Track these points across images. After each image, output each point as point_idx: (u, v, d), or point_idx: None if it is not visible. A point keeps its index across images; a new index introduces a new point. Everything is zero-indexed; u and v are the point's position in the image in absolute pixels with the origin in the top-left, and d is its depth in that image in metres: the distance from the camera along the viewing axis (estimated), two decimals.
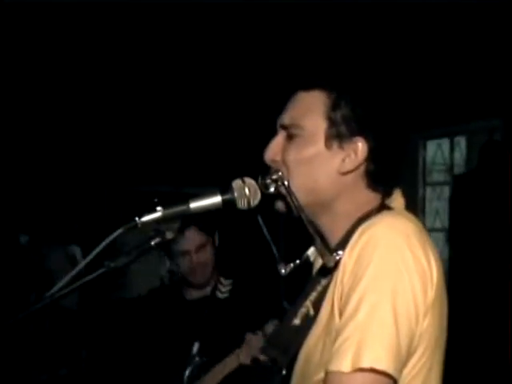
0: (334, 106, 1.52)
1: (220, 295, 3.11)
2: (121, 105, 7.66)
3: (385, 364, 1.31)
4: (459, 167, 6.80)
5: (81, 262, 1.48)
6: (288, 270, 1.61)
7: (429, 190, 7.28)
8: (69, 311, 5.46)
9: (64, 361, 5.40)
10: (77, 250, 5.97)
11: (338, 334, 1.37)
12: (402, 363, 1.36)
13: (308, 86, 1.57)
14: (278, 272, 1.61)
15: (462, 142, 6.76)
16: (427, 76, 6.48)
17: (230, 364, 2.90)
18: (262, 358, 1.63)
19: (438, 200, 7.16)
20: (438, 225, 7.02)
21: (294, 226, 1.64)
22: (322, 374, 1.42)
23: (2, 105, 6.94)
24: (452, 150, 6.96)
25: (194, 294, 3.14)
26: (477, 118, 6.11)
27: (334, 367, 1.34)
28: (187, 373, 2.97)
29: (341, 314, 1.40)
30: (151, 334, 3.09)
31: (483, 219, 5.30)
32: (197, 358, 2.99)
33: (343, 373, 1.32)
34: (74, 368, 5.37)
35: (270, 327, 2.87)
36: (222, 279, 3.14)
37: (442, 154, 7.13)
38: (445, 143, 7.06)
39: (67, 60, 6.91)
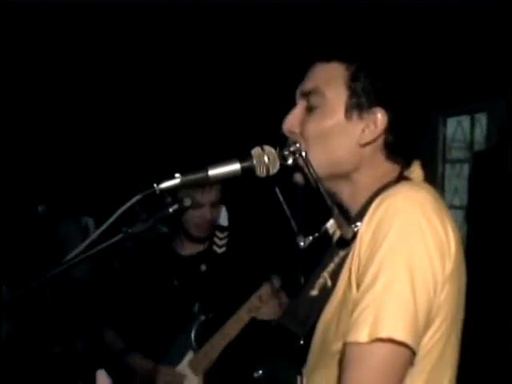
0: (353, 77, 1.52)
1: (218, 250, 3.07)
2: (137, 85, 7.68)
3: (403, 334, 1.30)
4: (479, 145, 6.73)
5: (94, 232, 1.47)
6: (307, 242, 1.60)
7: (448, 167, 7.23)
8: (81, 283, 5.47)
9: (81, 334, 5.43)
10: (90, 222, 5.99)
11: (356, 305, 1.36)
12: (420, 334, 1.35)
13: (327, 58, 1.56)
14: (297, 245, 1.60)
15: (482, 119, 6.69)
16: (448, 53, 6.41)
17: (240, 320, 2.87)
18: (280, 327, 1.62)
19: (457, 178, 7.11)
20: (456, 202, 6.98)
21: (312, 199, 1.62)
22: (339, 345, 1.42)
23: (24, 84, 6.98)
24: (472, 127, 6.90)
25: (189, 249, 3.08)
26: (498, 95, 6.04)
27: (351, 338, 1.33)
28: (193, 332, 2.94)
29: (358, 286, 1.39)
30: (147, 292, 3.04)
31: (502, 197, 5.26)
32: (201, 316, 2.96)
33: (361, 343, 1.31)
34: (90, 341, 5.40)
35: (276, 281, 2.86)
36: (218, 232, 3.09)
37: (462, 132, 7.06)
38: (465, 120, 6.99)
39: (80, 51, 6.94)
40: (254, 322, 2.88)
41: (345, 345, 1.36)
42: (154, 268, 3.07)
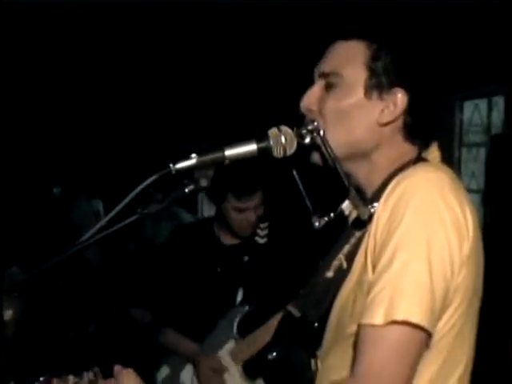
0: (374, 57, 1.49)
1: (259, 240, 3.09)
2: (151, 66, 7.68)
3: (419, 317, 1.28)
4: (496, 128, 6.66)
5: (103, 215, 1.46)
6: (322, 223, 1.58)
7: (465, 151, 7.18)
8: (92, 265, 5.49)
9: (93, 317, 5.45)
10: (99, 204, 6.00)
11: (372, 286, 1.35)
12: (437, 317, 1.34)
13: (348, 36, 1.54)
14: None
15: (500, 102, 6.62)
16: (465, 36, 6.34)
17: None
18: (295, 309, 1.61)
19: (474, 161, 7.06)
20: (473, 186, 6.93)
21: (327, 180, 1.61)
22: (354, 327, 1.41)
23: (38, 69, 7.01)
24: (490, 110, 6.83)
25: (231, 240, 3.11)
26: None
27: (366, 320, 1.32)
28: (237, 322, 2.96)
29: (374, 268, 1.38)
30: (189, 276, 3.07)
31: None
32: (245, 307, 2.98)
33: (376, 325, 1.30)
34: (103, 324, 5.42)
35: None
36: (259, 223, 3.12)
37: (479, 115, 7.00)
38: (482, 104, 6.92)
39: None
40: None
41: (359, 326, 1.35)
42: (197, 253, 3.10)
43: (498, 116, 6.69)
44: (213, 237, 3.13)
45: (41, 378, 1.16)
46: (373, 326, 1.30)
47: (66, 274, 5.10)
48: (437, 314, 1.33)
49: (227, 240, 3.12)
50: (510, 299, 4.94)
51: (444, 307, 1.35)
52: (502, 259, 4.87)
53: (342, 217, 1.64)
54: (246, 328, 2.94)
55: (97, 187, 6.29)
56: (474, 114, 7.05)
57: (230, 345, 2.95)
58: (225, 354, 2.95)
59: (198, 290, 3.04)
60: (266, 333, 2.88)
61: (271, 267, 3.04)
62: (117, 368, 1.33)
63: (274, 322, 2.85)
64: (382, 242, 1.36)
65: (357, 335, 1.38)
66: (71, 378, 1.20)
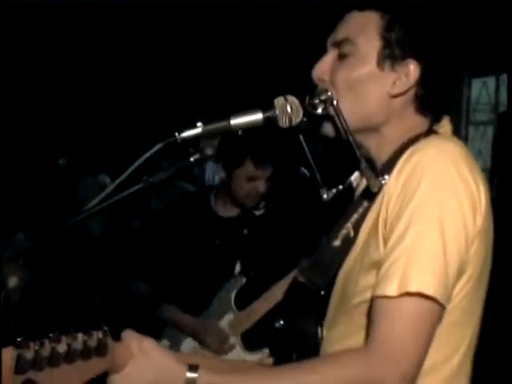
0: (388, 27, 1.48)
1: (256, 212, 3.08)
2: (155, 41, 7.64)
3: (432, 289, 1.27)
4: (505, 107, 6.62)
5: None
6: (330, 195, 1.58)
7: (472, 129, 7.13)
8: (96, 239, 5.50)
9: (99, 290, 5.47)
10: (106, 179, 5.99)
11: (385, 258, 1.34)
12: (450, 290, 1.33)
13: (362, 7, 1.52)
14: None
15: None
16: (473, 14, 6.28)
17: (284, 287, 2.88)
18: (301, 278, 1.60)
19: (480, 140, 7.02)
20: (479, 165, 6.88)
21: (333, 153, 1.60)
22: (359, 297, 1.41)
23: (44, 47, 7.00)
24: (498, 88, 6.77)
25: (229, 211, 3.10)
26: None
27: (380, 292, 1.31)
28: (234, 294, 2.97)
29: (386, 240, 1.36)
30: (187, 249, 3.06)
31: None
32: (243, 279, 2.98)
33: (390, 297, 1.29)
34: (108, 297, 5.44)
35: None
36: None
37: (487, 93, 6.95)
38: (491, 81, 6.87)
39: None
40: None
41: (373, 298, 1.34)
42: (194, 226, 3.09)
43: (505, 94, 6.64)
44: (209, 209, 3.12)
45: (50, 335, 1.15)
46: (387, 297, 1.29)
47: (75, 246, 5.12)
48: (450, 287, 1.32)
49: (224, 212, 3.10)
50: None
51: (457, 279, 1.35)
52: (508, 238, 4.85)
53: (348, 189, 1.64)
54: (244, 300, 2.95)
55: (104, 161, 6.29)
56: (482, 92, 7.00)
57: (228, 316, 2.96)
58: (224, 325, 2.96)
59: (196, 262, 3.04)
60: (263, 304, 2.89)
61: (269, 239, 3.05)
62: (128, 333, 1.33)
63: (272, 293, 2.88)
64: (396, 215, 1.35)
65: (361, 305, 1.39)
66: (80, 335, 1.20)
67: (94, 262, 5.44)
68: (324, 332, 1.53)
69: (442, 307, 1.31)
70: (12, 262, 1.44)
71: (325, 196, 1.58)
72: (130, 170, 1.42)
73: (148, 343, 1.31)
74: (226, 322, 2.96)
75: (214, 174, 7.38)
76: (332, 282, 1.53)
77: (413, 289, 1.27)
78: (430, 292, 1.27)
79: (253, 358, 2.85)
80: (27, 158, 5.05)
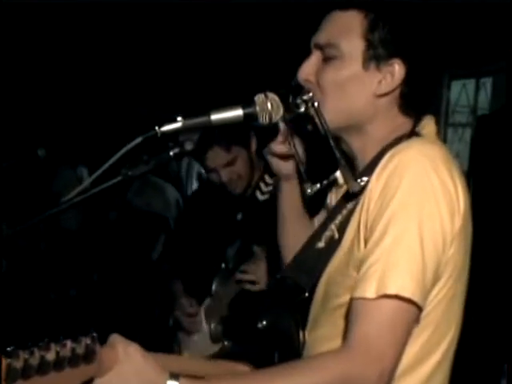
0: (371, 27, 1.49)
1: (260, 196, 3.06)
2: (123, 29, 7.59)
3: (410, 291, 1.29)
4: (483, 110, 6.66)
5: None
6: (314, 190, 1.59)
7: (450, 131, 7.17)
8: (69, 232, 5.47)
9: (74, 282, 5.45)
10: (84, 172, 5.96)
11: (364, 260, 1.36)
12: (428, 291, 1.35)
13: (345, 6, 1.53)
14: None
15: (488, 83, 6.61)
16: (454, 15, 6.31)
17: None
18: (285, 279, 1.61)
19: (459, 142, 7.06)
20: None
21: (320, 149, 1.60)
22: (342, 299, 1.42)
23: (28, 37, 6.96)
24: (477, 91, 6.81)
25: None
26: (504, 59, 5.95)
27: (358, 294, 1.33)
28: (215, 281, 3.00)
29: (366, 241, 1.38)
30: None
31: (505, 163, 5.20)
32: (222, 265, 3.00)
33: (368, 299, 1.30)
34: (83, 289, 5.42)
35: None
36: (267, 177, 3.06)
37: (466, 95, 6.99)
38: (470, 84, 6.91)
39: None
40: None
41: (352, 299, 1.35)
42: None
43: (485, 98, 6.69)
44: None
45: (40, 344, 1.17)
46: (365, 299, 1.31)
47: (47, 238, 5.10)
48: (428, 289, 1.34)
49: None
50: (492, 278, 4.95)
51: (434, 281, 1.37)
52: (485, 240, 4.87)
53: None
54: (220, 285, 2.97)
55: (82, 154, 6.24)
56: (462, 93, 7.04)
57: (207, 301, 2.97)
58: (202, 311, 2.98)
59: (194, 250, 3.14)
60: (233, 287, 2.88)
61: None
62: (114, 337, 1.32)
63: (231, 281, 2.89)
64: (375, 216, 1.36)
65: (345, 307, 1.40)
66: (69, 342, 1.21)
67: (68, 254, 5.42)
68: (306, 334, 1.54)
69: (418, 308, 1.32)
70: None
71: (308, 191, 1.59)
72: (109, 163, 1.42)
73: (133, 348, 1.31)
74: (204, 307, 2.98)
75: (188, 169, 7.39)
76: (317, 284, 1.54)
77: (391, 291, 1.28)
78: (407, 294, 1.29)
79: (215, 349, 2.87)
80: (6, 149, 5.02)
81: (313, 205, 1.81)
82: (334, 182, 1.63)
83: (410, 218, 1.32)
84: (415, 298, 1.30)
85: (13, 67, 7.00)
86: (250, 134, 3.01)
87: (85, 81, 7.71)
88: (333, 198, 1.74)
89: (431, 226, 1.33)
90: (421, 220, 1.32)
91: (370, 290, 1.30)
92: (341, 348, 1.36)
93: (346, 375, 1.28)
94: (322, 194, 1.65)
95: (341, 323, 1.43)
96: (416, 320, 1.35)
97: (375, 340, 1.29)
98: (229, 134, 2.83)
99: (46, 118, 7.06)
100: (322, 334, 1.50)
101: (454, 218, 1.38)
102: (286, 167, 1.69)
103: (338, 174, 1.63)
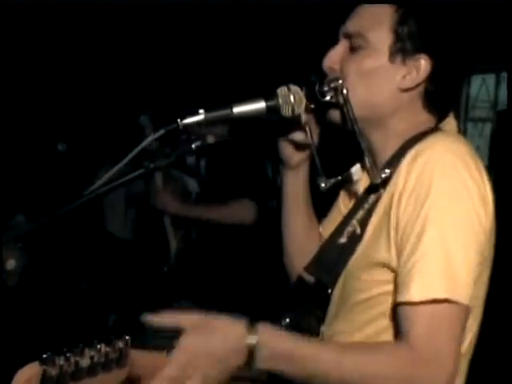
0: (401, 21, 1.48)
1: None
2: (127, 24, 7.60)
3: (457, 294, 1.28)
4: (504, 105, 6.61)
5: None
6: (328, 185, 1.57)
7: (470, 126, 7.13)
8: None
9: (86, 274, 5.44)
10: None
11: (404, 263, 1.33)
12: (472, 288, 1.33)
13: (376, 0, 1.53)
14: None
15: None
16: (473, 11, 6.26)
17: None
18: (308, 276, 1.60)
19: (479, 137, 7.02)
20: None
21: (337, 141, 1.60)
22: (362, 295, 1.42)
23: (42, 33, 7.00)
24: (497, 85, 6.77)
25: None
26: None
27: (403, 297, 1.31)
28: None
29: (397, 245, 1.36)
30: None
31: None
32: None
33: (416, 303, 1.29)
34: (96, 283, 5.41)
35: None
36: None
37: (486, 90, 6.94)
38: (490, 78, 6.86)
39: None
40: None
41: (396, 305, 1.34)
42: None
43: (505, 92, 6.64)
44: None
45: (74, 349, 1.17)
46: (413, 303, 1.29)
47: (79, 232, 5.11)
48: (472, 285, 1.33)
49: None
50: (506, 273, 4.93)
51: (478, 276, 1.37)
52: (504, 235, 4.84)
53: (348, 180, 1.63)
54: None
55: (105, 147, 6.25)
56: (482, 88, 6.99)
57: None
58: None
59: None
60: None
61: None
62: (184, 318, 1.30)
63: None
64: (409, 218, 1.34)
65: (364, 303, 1.41)
66: (103, 346, 1.20)
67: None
68: (324, 329, 1.53)
69: (467, 307, 1.31)
70: (11, 244, 1.44)
71: (323, 185, 1.57)
72: (130, 155, 1.42)
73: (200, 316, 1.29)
74: None
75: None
76: (337, 279, 1.52)
77: (439, 295, 1.27)
78: (455, 297, 1.28)
79: None
80: (26, 142, 5.04)
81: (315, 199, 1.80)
82: (348, 179, 1.61)
83: (447, 219, 1.31)
84: (463, 300, 1.29)
85: (33, 63, 7.04)
86: None
87: (106, 74, 7.72)
88: (343, 195, 1.73)
89: (469, 224, 1.33)
90: (458, 219, 1.31)
91: (415, 295, 1.28)
92: (405, 345, 1.30)
93: (412, 375, 1.27)
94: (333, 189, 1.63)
95: (359, 318, 1.43)
96: (467, 318, 1.33)
97: (439, 344, 1.27)
98: None
99: (67, 111, 7.08)
100: (340, 329, 1.49)
101: (487, 211, 1.37)
102: (298, 156, 1.67)
103: (352, 170, 1.62)
